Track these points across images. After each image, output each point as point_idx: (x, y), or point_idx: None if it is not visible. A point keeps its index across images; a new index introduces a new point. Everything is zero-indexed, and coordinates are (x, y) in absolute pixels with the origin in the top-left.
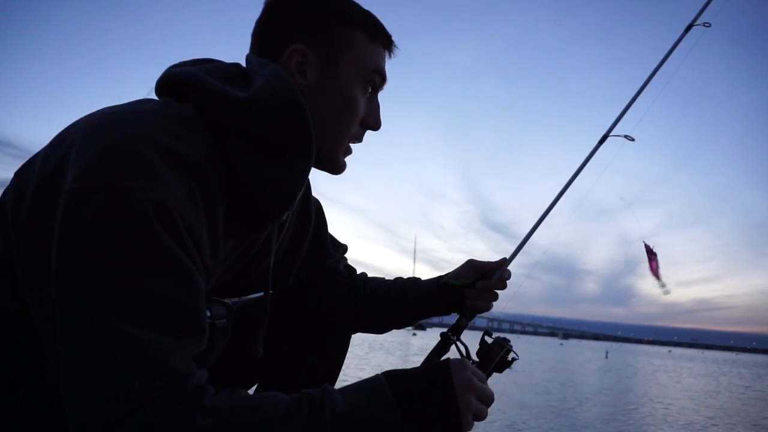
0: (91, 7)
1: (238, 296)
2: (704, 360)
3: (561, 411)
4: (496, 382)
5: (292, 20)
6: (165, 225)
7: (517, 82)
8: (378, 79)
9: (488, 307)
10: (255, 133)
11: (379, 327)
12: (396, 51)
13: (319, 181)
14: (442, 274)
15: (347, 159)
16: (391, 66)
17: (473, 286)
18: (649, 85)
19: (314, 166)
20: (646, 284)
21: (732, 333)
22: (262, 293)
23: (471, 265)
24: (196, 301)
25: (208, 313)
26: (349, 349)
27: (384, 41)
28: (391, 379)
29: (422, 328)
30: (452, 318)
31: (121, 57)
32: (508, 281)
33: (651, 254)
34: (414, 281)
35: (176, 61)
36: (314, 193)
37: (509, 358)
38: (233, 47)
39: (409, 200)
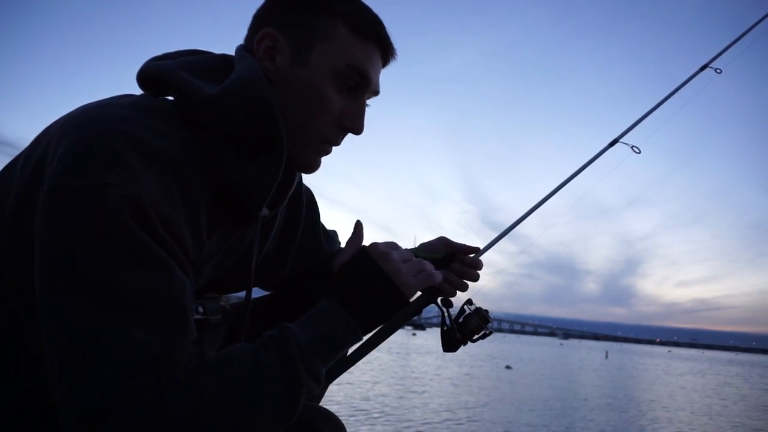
0: (92, 7)
1: (232, 293)
2: (702, 360)
3: (560, 410)
4: (496, 381)
5: (272, 6)
6: (138, 220)
7: (518, 82)
8: (358, 78)
9: (452, 292)
10: (226, 130)
11: None
12: (393, 57)
13: (318, 180)
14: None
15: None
16: (392, 64)
17: (443, 262)
18: (662, 107)
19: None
20: (647, 284)
21: (732, 333)
22: (264, 292)
23: (444, 241)
24: (177, 293)
25: (200, 309)
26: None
27: (375, 40)
28: (337, 297)
29: (422, 328)
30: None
31: (123, 56)
32: (479, 272)
33: None
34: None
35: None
36: (315, 194)
37: (485, 330)
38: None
39: (409, 200)
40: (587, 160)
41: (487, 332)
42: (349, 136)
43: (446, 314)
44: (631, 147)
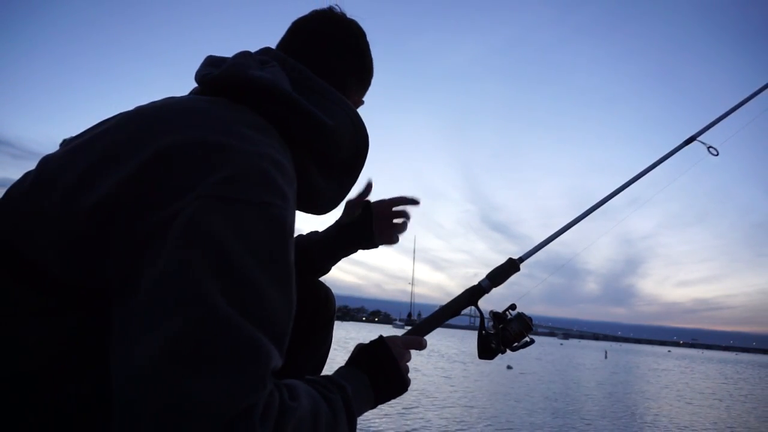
0: (92, 6)
1: None
2: (701, 360)
3: (560, 410)
4: (497, 382)
5: (344, 52)
6: (290, 242)
7: (519, 80)
8: None
9: (394, 239)
10: (325, 151)
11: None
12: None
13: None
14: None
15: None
16: (392, 63)
17: (365, 216)
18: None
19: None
20: (647, 284)
21: (732, 333)
22: None
23: (353, 202)
24: (291, 318)
25: None
26: (343, 345)
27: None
28: (362, 367)
29: None
30: (454, 320)
31: (123, 56)
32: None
33: None
34: (314, 234)
35: (197, 59)
36: None
37: (526, 339)
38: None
39: None
40: (658, 158)
41: (529, 341)
42: None
43: (490, 318)
44: (708, 147)
